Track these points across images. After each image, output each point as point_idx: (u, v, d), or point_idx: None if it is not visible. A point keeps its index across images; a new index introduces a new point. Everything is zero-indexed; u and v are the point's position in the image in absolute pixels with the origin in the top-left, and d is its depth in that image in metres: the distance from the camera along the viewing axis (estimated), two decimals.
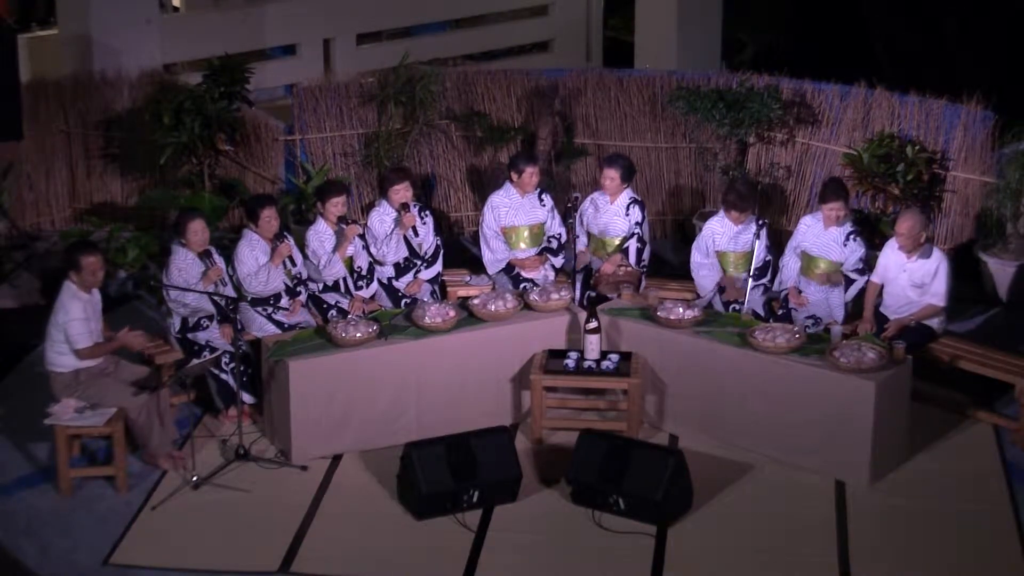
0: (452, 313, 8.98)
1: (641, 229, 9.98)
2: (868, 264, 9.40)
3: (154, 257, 10.90)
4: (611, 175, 9.98)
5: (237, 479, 8.38)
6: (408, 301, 9.75)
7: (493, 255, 10.10)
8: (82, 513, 8.10)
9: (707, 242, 9.80)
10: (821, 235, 9.50)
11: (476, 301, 9.15)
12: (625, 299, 9.41)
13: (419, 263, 9.96)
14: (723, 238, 9.77)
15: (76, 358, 8.37)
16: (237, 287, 9.27)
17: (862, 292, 9.41)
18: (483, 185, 11.80)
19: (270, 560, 7.65)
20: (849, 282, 9.38)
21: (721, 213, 9.83)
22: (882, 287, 9.33)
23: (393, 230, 9.84)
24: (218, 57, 11.58)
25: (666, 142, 11.95)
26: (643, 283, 9.94)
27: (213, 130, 11.30)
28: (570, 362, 8.88)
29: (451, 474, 8.00)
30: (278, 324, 9.23)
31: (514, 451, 8.22)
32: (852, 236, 9.43)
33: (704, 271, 9.79)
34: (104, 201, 12.17)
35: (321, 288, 9.62)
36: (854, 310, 9.50)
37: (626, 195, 10.05)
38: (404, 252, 9.93)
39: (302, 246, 9.58)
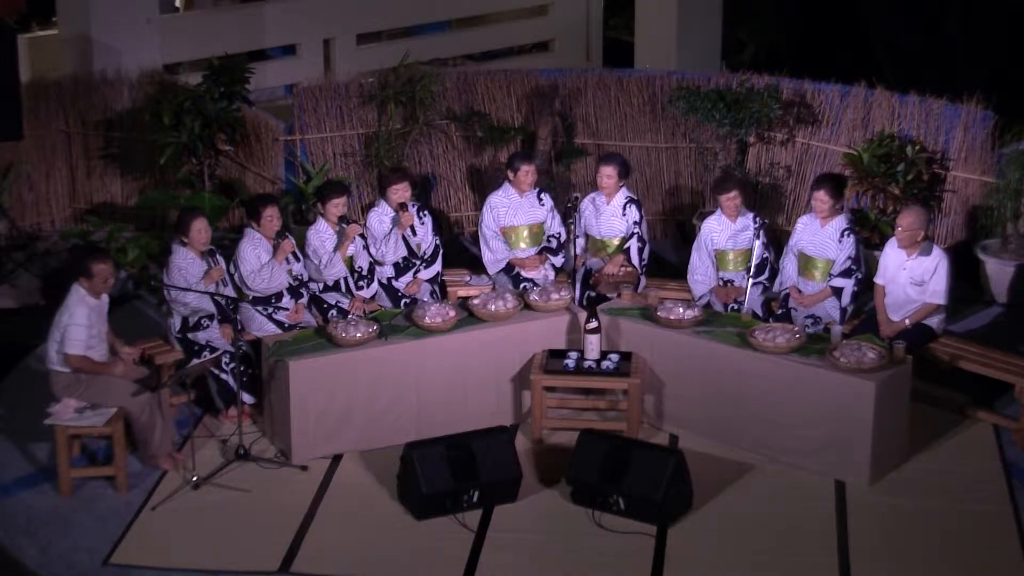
0: (452, 313, 8.98)
1: (640, 228, 9.99)
2: (857, 264, 9.38)
3: (154, 257, 10.90)
4: (608, 172, 9.99)
5: (237, 479, 8.38)
6: (408, 301, 9.75)
7: (493, 255, 10.11)
8: (82, 513, 8.09)
9: (706, 241, 9.81)
10: (817, 233, 9.50)
11: (476, 301, 9.15)
12: (625, 299, 9.41)
13: (418, 263, 9.96)
14: (721, 236, 9.77)
15: (63, 361, 8.34)
16: (238, 287, 9.28)
17: (856, 295, 9.43)
18: (483, 185, 11.81)
19: (270, 560, 7.65)
20: (838, 291, 9.37)
21: (719, 211, 9.84)
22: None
23: (391, 230, 9.84)
24: (218, 57, 11.59)
25: (666, 142, 11.95)
26: (642, 283, 9.95)
27: (213, 130, 11.31)
28: (570, 362, 8.88)
29: (451, 474, 7.99)
30: (278, 324, 9.24)
31: (514, 451, 8.22)
32: (846, 232, 9.42)
33: (698, 276, 9.79)
34: (104, 201, 12.18)
35: (322, 288, 9.63)
36: (853, 310, 9.51)
37: (622, 195, 10.05)
38: (403, 252, 9.93)
39: (302, 246, 9.58)
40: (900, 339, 8.74)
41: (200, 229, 9.04)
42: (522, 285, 9.89)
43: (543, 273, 10.09)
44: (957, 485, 8.33)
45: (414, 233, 9.91)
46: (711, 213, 10.07)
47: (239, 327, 8.96)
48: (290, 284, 9.37)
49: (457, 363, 8.87)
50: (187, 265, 9.03)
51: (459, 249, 11.51)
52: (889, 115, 11.10)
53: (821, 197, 9.45)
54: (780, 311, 9.52)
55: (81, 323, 8.28)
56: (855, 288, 9.39)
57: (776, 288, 9.70)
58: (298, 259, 9.48)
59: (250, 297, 9.26)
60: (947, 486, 8.32)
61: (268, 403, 8.87)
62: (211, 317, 9.10)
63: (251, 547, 7.77)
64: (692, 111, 11.26)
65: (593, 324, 8.87)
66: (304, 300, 9.45)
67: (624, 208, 10.01)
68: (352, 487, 8.38)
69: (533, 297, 9.21)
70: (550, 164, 11.62)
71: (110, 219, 11.82)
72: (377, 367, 8.69)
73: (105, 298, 8.51)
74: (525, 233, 10.14)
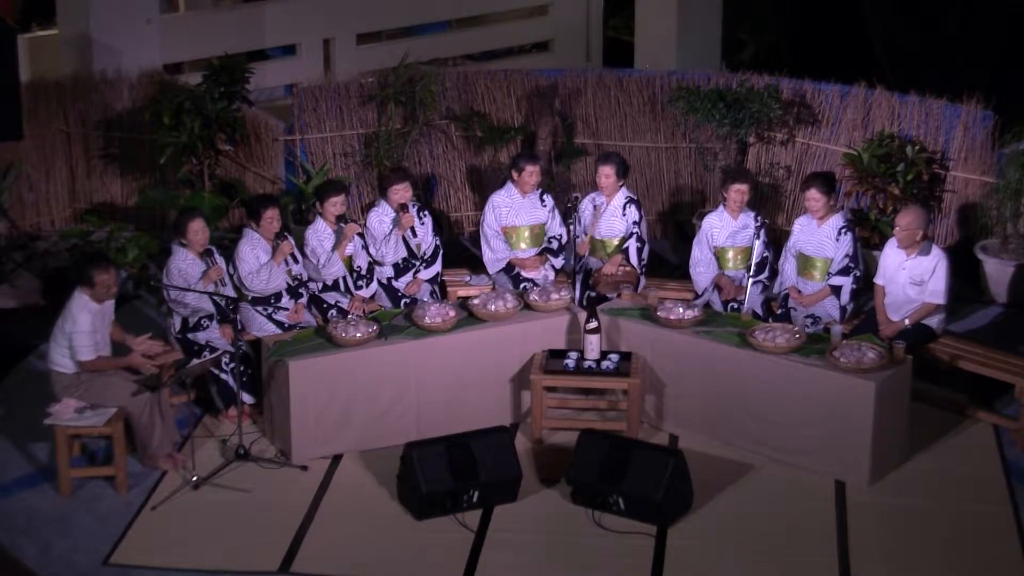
0: (452, 313, 8.98)
1: (639, 228, 9.99)
2: (856, 261, 9.38)
3: (154, 257, 10.90)
4: (606, 172, 10.00)
5: (237, 479, 8.38)
6: (408, 301, 9.75)
7: (493, 254, 10.11)
8: (82, 513, 8.10)
9: (707, 236, 9.82)
10: (815, 232, 9.51)
11: (476, 301, 9.15)
12: (625, 299, 9.41)
13: (418, 263, 9.96)
14: (722, 233, 9.78)
15: (78, 368, 8.37)
16: (237, 287, 9.28)
17: (856, 293, 9.43)
18: (483, 185, 11.80)
19: (270, 560, 7.65)
20: (836, 289, 9.37)
21: (720, 208, 9.85)
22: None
23: (392, 231, 9.84)
24: (218, 57, 11.59)
25: (666, 142, 11.95)
26: (642, 283, 9.95)
27: (213, 130, 11.31)
28: (570, 362, 8.88)
29: (451, 474, 8.00)
30: (278, 324, 9.24)
31: (514, 451, 8.22)
32: (843, 230, 9.43)
33: (701, 267, 9.80)
34: (104, 201, 12.18)
35: (321, 288, 9.63)
36: (852, 309, 9.51)
37: (622, 195, 10.05)
38: (403, 252, 9.93)
39: (301, 246, 9.58)
40: (900, 339, 8.74)
41: (197, 230, 9.04)
42: (522, 285, 9.89)
43: (543, 274, 10.09)
44: (957, 485, 8.33)
45: (414, 234, 9.91)
46: (711, 212, 10.07)
47: (239, 327, 8.96)
48: (289, 285, 9.37)
49: (457, 363, 8.87)
50: (186, 266, 9.03)
51: (459, 249, 11.51)
52: (889, 115, 11.09)
53: (813, 196, 9.47)
54: (780, 311, 9.52)
55: (85, 330, 8.29)
56: (854, 286, 9.40)
57: (776, 290, 9.70)
58: (297, 260, 9.48)
59: (250, 297, 9.26)
60: (947, 486, 8.32)
61: (268, 403, 8.87)
62: (211, 317, 9.11)
63: (251, 547, 7.77)
64: (692, 111, 11.26)
65: (593, 324, 8.87)
66: (304, 300, 9.45)
67: (624, 208, 10.01)
68: (352, 487, 8.38)
69: (533, 297, 9.21)
70: (550, 164, 11.61)
71: (110, 219, 11.82)
72: (377, 367, 8.69)
73: (109, 303, 8.52)
74: (526, 234, 10.14)
